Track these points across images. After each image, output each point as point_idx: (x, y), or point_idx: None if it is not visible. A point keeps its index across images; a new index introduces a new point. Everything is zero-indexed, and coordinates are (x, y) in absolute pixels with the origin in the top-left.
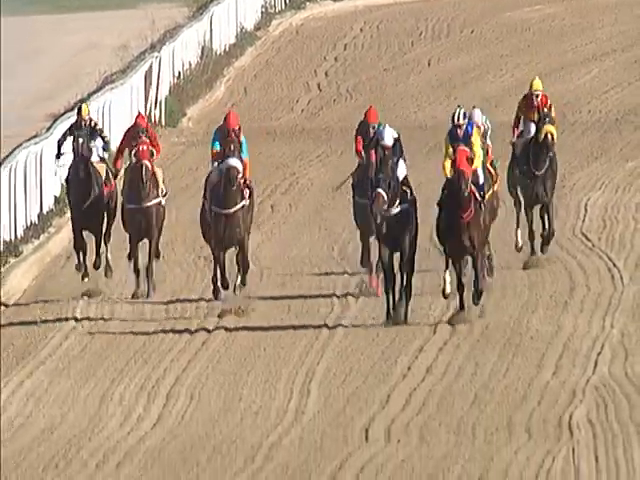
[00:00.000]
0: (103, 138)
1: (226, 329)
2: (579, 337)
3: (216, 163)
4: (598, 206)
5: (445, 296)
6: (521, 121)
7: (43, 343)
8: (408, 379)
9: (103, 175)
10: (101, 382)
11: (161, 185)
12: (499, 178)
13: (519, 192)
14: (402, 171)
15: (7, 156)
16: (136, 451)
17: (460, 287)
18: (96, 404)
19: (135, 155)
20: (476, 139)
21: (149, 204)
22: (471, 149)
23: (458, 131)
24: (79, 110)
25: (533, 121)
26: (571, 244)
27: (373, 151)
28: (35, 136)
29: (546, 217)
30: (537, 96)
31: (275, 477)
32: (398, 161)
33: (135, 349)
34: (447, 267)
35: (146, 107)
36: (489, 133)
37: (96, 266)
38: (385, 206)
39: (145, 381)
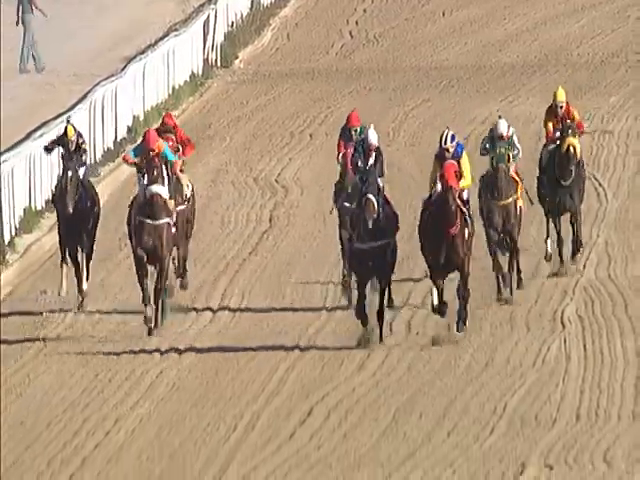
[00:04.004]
0: (83, 159)
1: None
2: (570, 244)
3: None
4: (586, 134)
5: (434, 310)
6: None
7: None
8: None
9: (90, 190)
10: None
11: (185, 190)
12: (522, 187)
13: (547, 202)
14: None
15: (87, 92)
16: None
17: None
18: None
19: None
20: (465, 161)
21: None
22: (459, 167)
23: (446, 155)
24: (65, 131)
25: (557, 130)
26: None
27: (350, 156)
28: (111, 75)
29: (575, 226)
30: (561, 107)
31: None
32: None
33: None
34: (435, 283)
35: (204, 51)
36: (515, 140)
37: (79, 284)
38: (375, 213)
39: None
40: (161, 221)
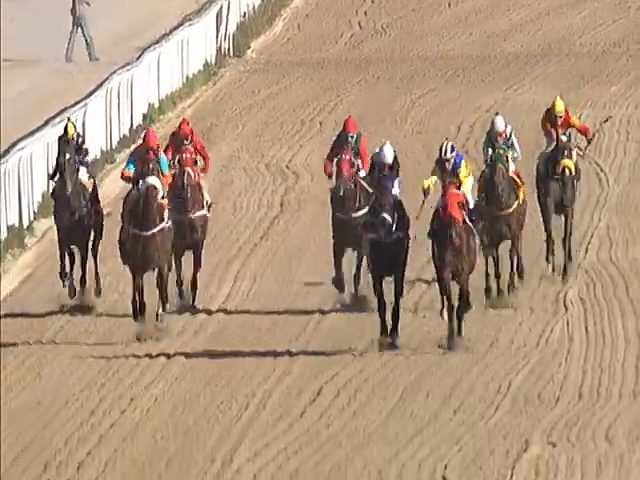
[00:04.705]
0: (85, 157)
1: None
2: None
3: (133, 185)
4: (588, 121)
5: (443, 317)
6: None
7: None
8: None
9: (90, 191)
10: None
11: (206, 196)
12: (524, 190)
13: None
14: (396, 190)
15: (104, 80)
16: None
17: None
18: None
19: (178, 162)
20: (463, 171)
21: (193, 216)
22: (457, 178)
23: (446, 165)
24: (65, 129)
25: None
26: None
27: (343, 163)
28: (127, 64)
29: (568, 227)
30: (560, 117)
31: None
32: (394, 180)
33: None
34: (442, 294)
35: (217, 40)
36: (514, 141)
37: (82, 282)
38: (390, 231)
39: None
40: (153, 230)
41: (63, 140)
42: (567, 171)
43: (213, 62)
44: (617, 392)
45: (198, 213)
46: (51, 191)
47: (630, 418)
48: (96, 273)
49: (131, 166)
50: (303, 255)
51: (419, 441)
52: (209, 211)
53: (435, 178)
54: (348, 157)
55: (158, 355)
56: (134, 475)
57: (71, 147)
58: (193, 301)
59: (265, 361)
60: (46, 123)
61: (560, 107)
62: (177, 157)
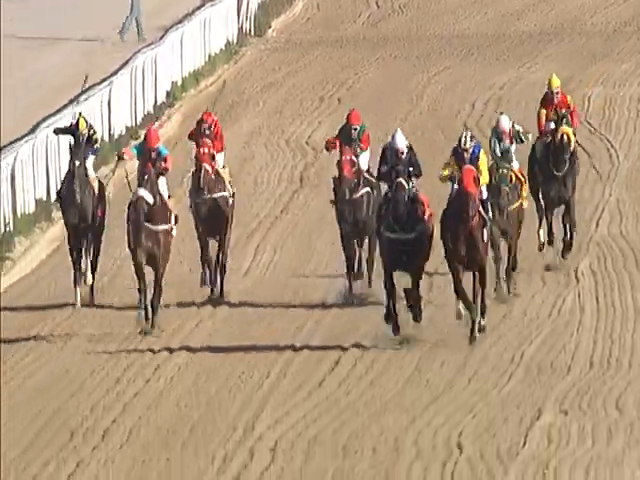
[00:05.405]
0: (95, 147)
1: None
2: (583, 203)
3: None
4: (599, 98)
5: (459, 317)
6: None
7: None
8: None
9: (97, 190)
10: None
11: (227, 186)
12: (526, 187)
13: (540, 193)
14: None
15: (129, 59)
16: None
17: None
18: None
19: (196, 157)
20: (483, 160)
21: (215, 196)
22: (477, 169)
23: (465, 155)
24: (77, 124)
25: (552, 120)
26: (577, 129)
27: (345, 164)
28: (151, 43)
29: (568, 220)
30: (557, 93)
31: None
32: (411, 174)
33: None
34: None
35: (238, 20)
36: (522, 133)
37: (86, 282)
38: (405, 193)
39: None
40: (160, 227)
41: (74, 141)
42: (565, 138)
43: (235, 41)
44: (627, 362)
45: (219, 194)
46: (57, 190)
47: None
48: (92, 268)
49: (135, 151)
50: (322, 228)
51: (434, 409)
52: (233, 198)
53: (451, 169)
54: (349, 157)
55: (181, 325)
56: (158, 442)
57: (81, 151)
58: (221, 287)
59: (285, 331)
60: (72, 101)
61: (557, 83)
62: (195, 152)
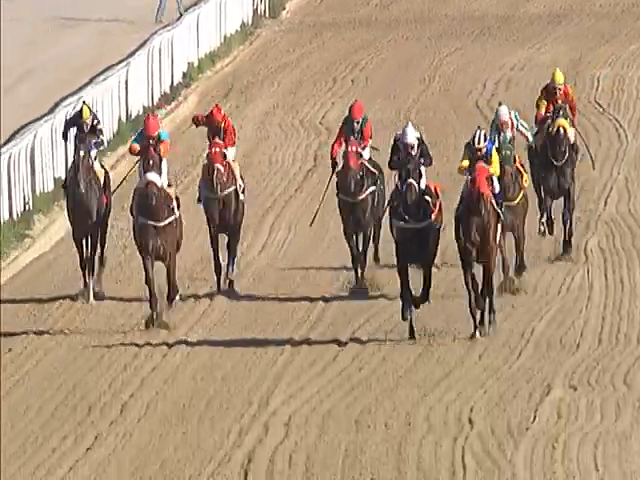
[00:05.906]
0: (99, 140)
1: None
2: (591, 182)
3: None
4: (608, 79)
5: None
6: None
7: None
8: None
9: (102, 181)
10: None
11: (239, 181)
12: (527, 178)
13: (540, 184)
14: (423, 179)
15: (146, 40)
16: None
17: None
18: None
19: (207, 157)
20: (495, 157)
21: (226, 192)
22: (489, 163)
23: (478, 154)
24: (80, 113)
25: (550, 113)
26: (586, 109)
27: (350, 155)
28: (167, 25)
29: (567, 217)
30: (559, 89)
31: None
32: (420, 165)
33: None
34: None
35: (253, 2)
36: (523, 123)
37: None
38: (415, 195)
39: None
40: (164, 222)
41: (78, 132)
42: (562, 130)
43: (250, 23)
44: (635, 338)
45: (229, 189)
46: (63, 182)
47: None
48: (101, 261)
49: (136, 141)
50: (336, 206)
51: (446, 385)
52: (243, 194)
53: (467, 162)
54: (355, 149)
55: (196, 303)
56: (175, 416)
57: (86, 142)
58: (230, 281)
59: (299, 308)
60: (90, 81)
61: (560, 79)
62: (207, 152)
